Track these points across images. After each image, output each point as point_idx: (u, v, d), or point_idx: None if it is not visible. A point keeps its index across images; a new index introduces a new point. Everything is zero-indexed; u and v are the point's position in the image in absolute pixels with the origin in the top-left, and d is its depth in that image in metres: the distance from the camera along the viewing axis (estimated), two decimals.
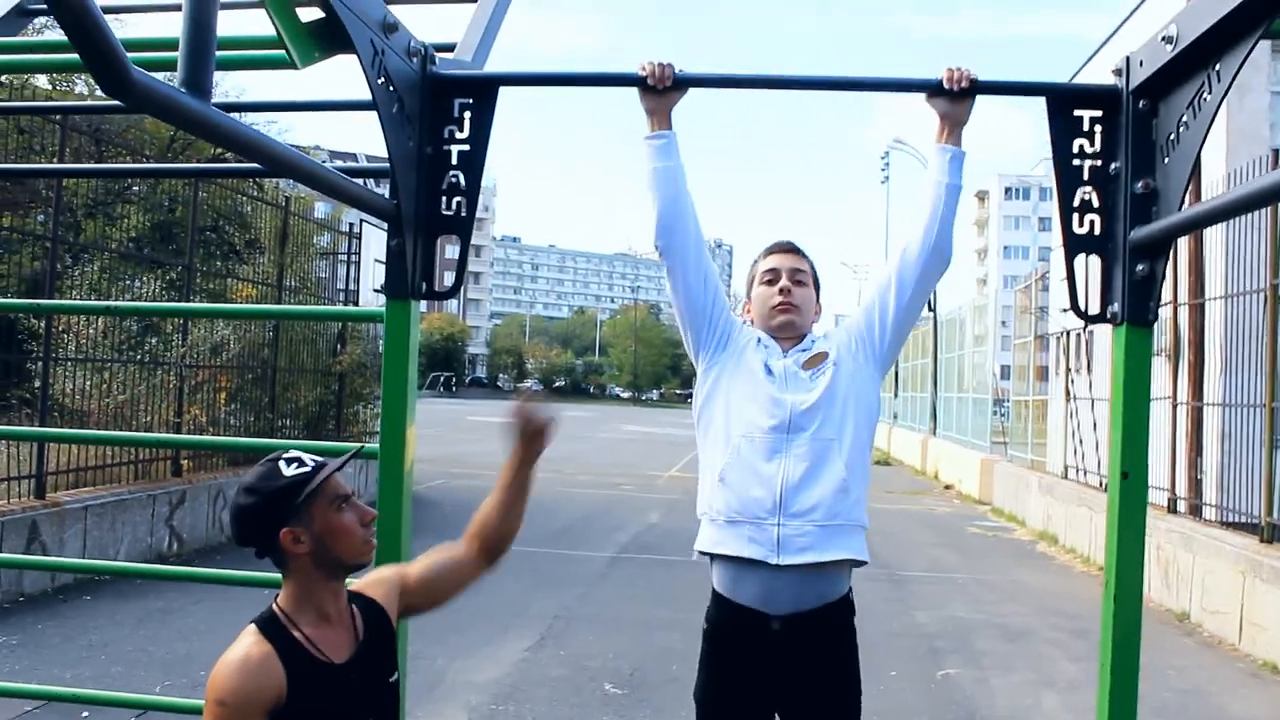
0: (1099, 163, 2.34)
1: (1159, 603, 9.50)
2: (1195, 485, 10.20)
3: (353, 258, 14.03)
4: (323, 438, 13.12)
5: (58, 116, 8.79)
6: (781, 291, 2.94)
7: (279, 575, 2.04)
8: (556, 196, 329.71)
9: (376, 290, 14.09)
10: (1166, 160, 2.20)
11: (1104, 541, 7.95)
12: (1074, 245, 2.38)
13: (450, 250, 2.63)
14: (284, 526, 1.97)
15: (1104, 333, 13.85)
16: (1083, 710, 6.28)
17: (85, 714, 5.37)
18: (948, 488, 20.69)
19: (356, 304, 13.86)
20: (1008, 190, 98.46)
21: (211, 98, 1.56)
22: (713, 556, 2.83)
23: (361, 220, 14.82)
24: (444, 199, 2.42)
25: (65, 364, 9.43)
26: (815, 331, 3.02)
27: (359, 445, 2.26)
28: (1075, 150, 2.35)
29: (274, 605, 2.04)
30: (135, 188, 13.56)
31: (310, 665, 1.98)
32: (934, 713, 6.12)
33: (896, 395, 31.58)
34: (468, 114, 2.45)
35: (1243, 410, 10.43)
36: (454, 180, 2.42)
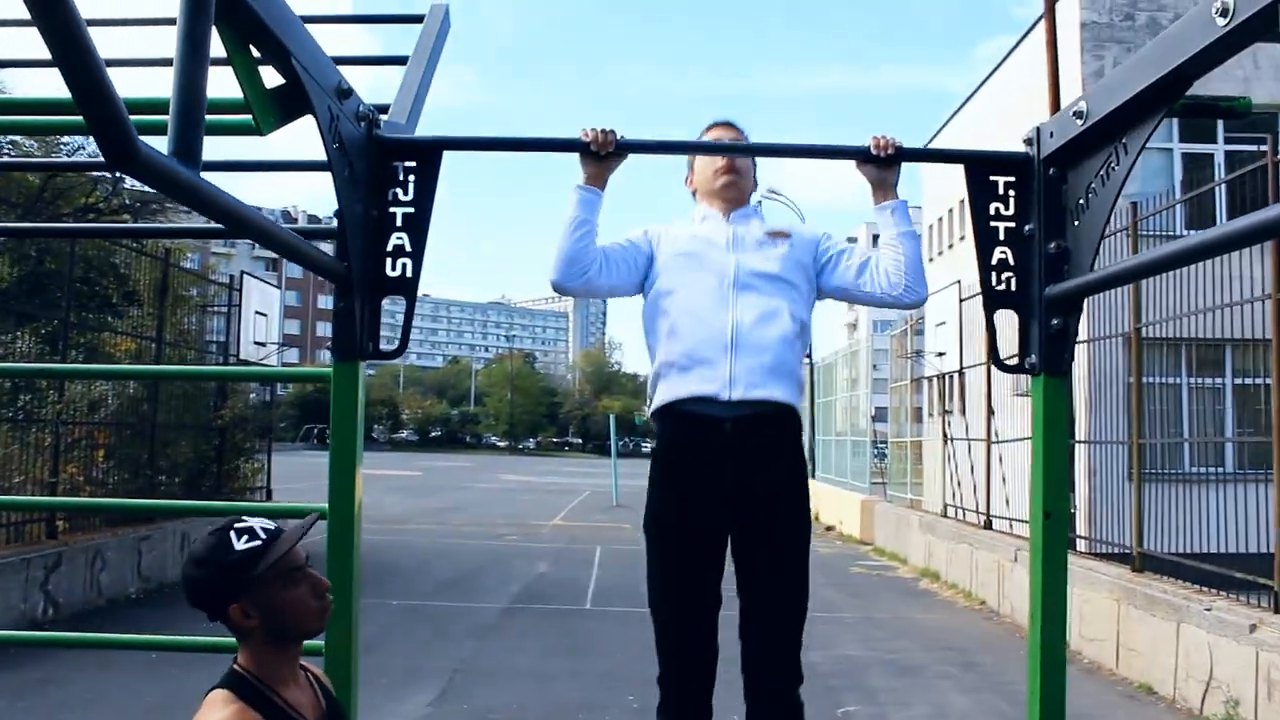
0: (1014, 224, 2.51)
1: None
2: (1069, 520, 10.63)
3: (232, 309, 13.77)
4: (203, 494, 12.77)
5: None
6: (726, 158, 3.18)
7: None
8: (429, 244, 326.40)
9: (258, 343, 13.80)
10: (1077, 223, 2.38)
11: (983, 576, 8.27)
12: (992, 301, 2.54)
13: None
14: (233, 602, 1.94)
15: (975, 375, 14.39)
16: None
17: None
18: (829, 529, 21.07)
19: (237, 356, 13.61)
20: (875, 238, 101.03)
21: (200, 168, 1.59)
22: (667, 410, 3.00)
23: (242, 273, 14.58)
24: (389, 260, 2.46)
25: None
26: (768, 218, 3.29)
27: (318, 513, 2.22)
28: (992, 213, 2.52)
29: (236, 667, 2.00)
30: (1, 240, 13.08)
31: None
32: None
33: None
34: (412, 177, 2.50)
35: (1109, 447, 10.96)
36: (399, 242, 2.47)
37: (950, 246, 29.22)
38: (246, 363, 14.39)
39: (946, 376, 15.32)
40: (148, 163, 1.42)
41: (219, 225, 1.92)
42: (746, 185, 3.25)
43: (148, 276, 12.23)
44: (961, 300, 13.28)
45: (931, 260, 30.81)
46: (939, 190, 29.59)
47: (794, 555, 3.02)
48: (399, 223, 2.47)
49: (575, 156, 2.81)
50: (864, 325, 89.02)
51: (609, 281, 3.10)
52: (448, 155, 2.54)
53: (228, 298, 14.08)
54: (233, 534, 1.96)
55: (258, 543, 1.95)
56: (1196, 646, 7.25)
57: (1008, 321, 2.53)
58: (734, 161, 3.20)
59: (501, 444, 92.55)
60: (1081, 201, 2.35)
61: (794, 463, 3.05)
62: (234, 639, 2.01)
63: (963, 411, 15.35)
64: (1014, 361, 2.51)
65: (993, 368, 10.77)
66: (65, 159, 11.21)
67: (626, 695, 7.34)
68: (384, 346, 2.45)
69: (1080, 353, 11.02)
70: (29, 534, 9.73)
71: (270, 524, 2.01)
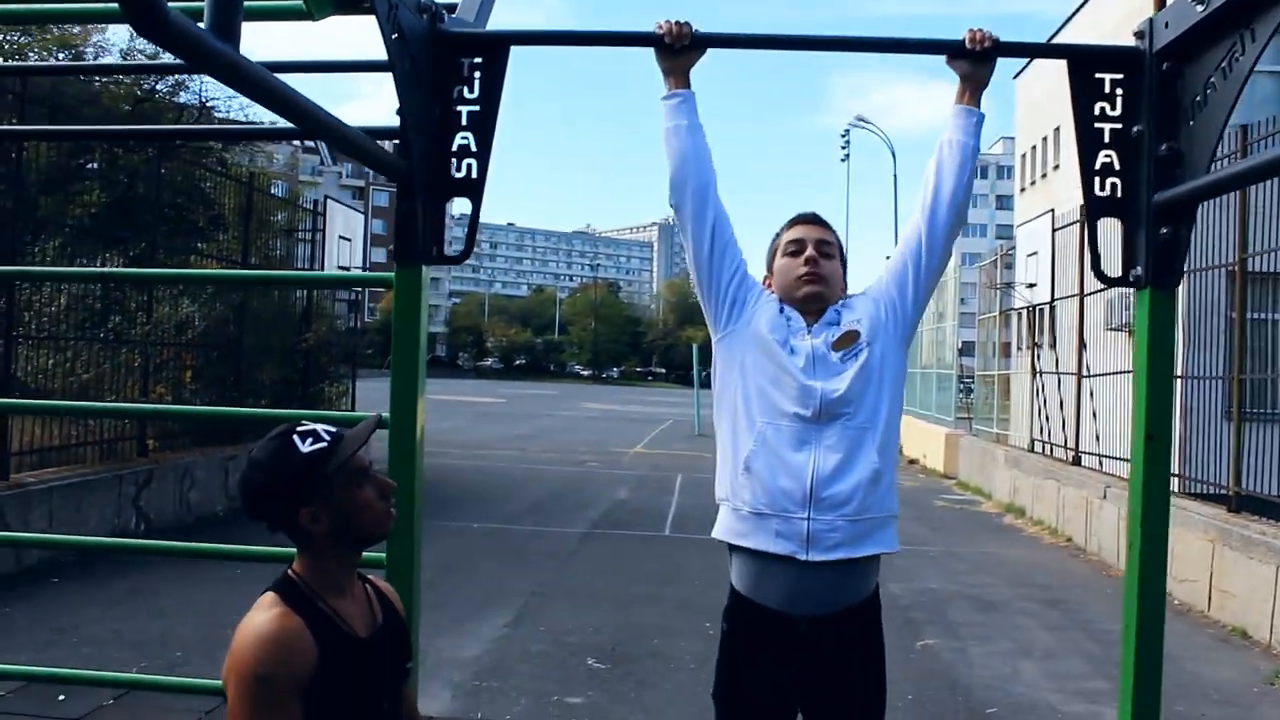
0: (1120, 125, 2.32)
1: None
2: None
3: (316, 235, 13.85)
4: (284, 414, 12.94)
5: (17, 83, 8.57)
6: (807, 262, 2.78)
7: (276, 549, 1.96)
8: (514, 173, 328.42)
9: (341, 267, 13.86)
10: (1191, 123, 2.18)
11: (1070, 513, 8.01)
12: (1095, 209, 2.36)
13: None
14: (301, 506, 1.87)
15: (1067, 308, 13.94)
16: (1061, 678, 6.35)
17: (61, 697, 5.26)
18: (912, 462, 20.82)
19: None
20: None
21: (240, 46, 1.49)
22: (733, 548, 2.72)
23: (326, 198, 14.62)
24: (454, 161, 2.36)
25: (28, 341, 9.21)
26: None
27: (377, 415, 2.13)
28: (1097, 113, 2.33)
29: (290, 573, 1.94)
30: (92, 165, 13.27)
31: (338, 637, 1.88)
32: (917, 682, 6.14)
33: None
34: (477, 74, 2.39)
35: (1205, 383, 10.57)
36: (464, 142, 2.36)
37: (1043, 176, 28.41)
38: (334, 291, 14.51)
39: (1036, 309, 14.89)
40: (180, 33, 1.32)
41: (285, 126, 1.82)
42: (833, 292, 2.83)
43: (233, 201, 12.33)
44: (1055, 230, 12.84)
45: (1024, 190, 30.04)
46: (1032, 120, 28.71)
47: None
48: (464, 121, 2.36)
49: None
50: (952, 257, 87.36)
51: (721, 235, 2.83)
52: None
53: (311, 222, 14.15)
54: (296, 437, 1.89)
55: (323, 444, 1.89)
56: None
57: (1110, 232, 2.35)
58: (820, 268, 2.79)
59: (585, 372, 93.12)
60: (1198, 99, 2.15)
61: (872, 663, 2.75)
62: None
63: (1053, 345, 14.91)
64: (1118, 274, 2.33)
65: (1086, 300, 10.40)
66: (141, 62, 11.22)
67: (703, 622, 7.30)
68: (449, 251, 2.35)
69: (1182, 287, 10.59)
70: (121, 451, 9.96)
71: (332, 427, 1.94)
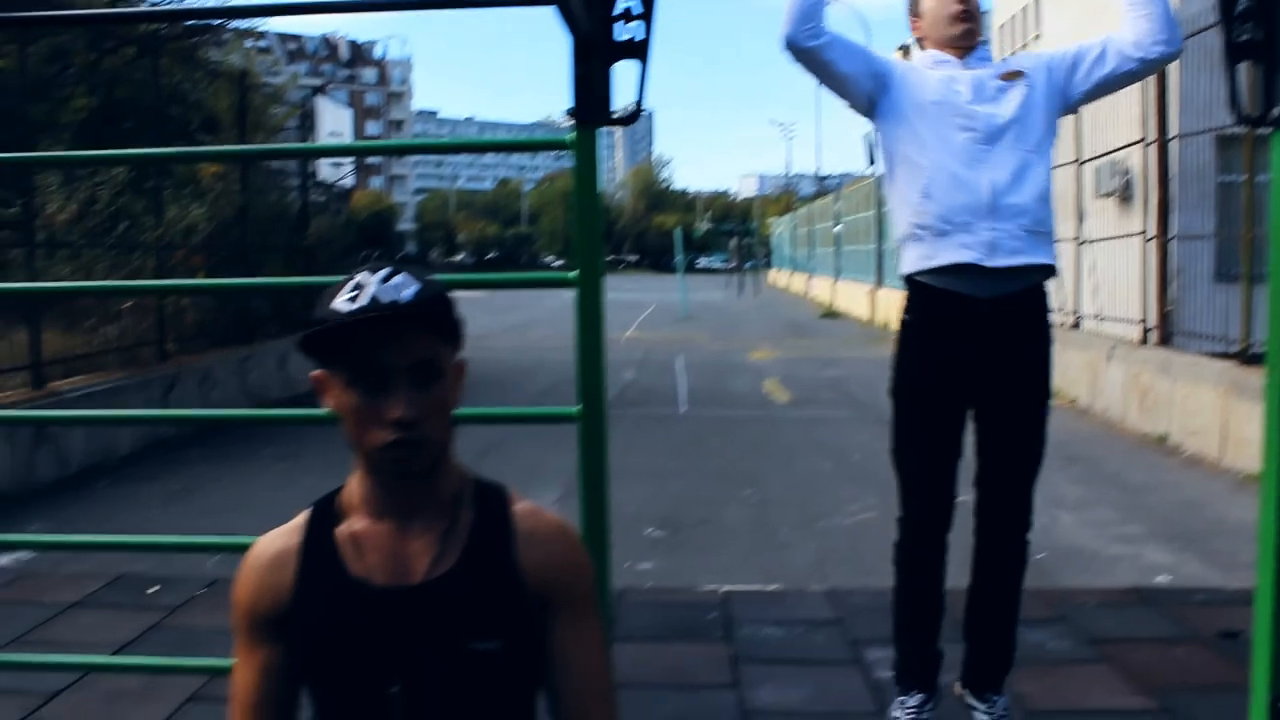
0: None
1: (1136, 428, 9.92)
2: (1164, 317, 10.54)
3: (307, 133, 13.69)
4: (291, 315, 12.96)
5: None
6: (960, 1, 2.99)
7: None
8: (474, 66, 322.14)
9: (334, 164, 13.75)
10: None
11: (1073, 375, 8.21)
12: (1234, 54, 2.45)
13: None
14: (318, 367, 1.43)
15: (1060, 177, 14.05)
16: (1098, 525, 6.63)
17: (152, 589, 5.42)
18: None
19: (315, 178, 13.60)
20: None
21: None
22: (919, 274, 2.96)
23: (315, 93, 14.42)
24: (619, 24, 2.41)
25: (44, 249, 9.16)
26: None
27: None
28: None
29: (344, 484, 1.51)
30: (71, 68, 12.97)
31: (330, 576, 1.44)
32: (959, 529, 6.39)
33: (839, 250, 31.84)
34: None
35: (1199, 243, 10.78)
36: (628, 5, 2.42)
37: (1024, 45, 28.26)
38: (327, 186, 14.42)
39: None
40: None
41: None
42: (980, 28, 3.07)
43: (225, 101, 12.15)
44: None
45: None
46: None
47: (1034, 425, 3.08)
48: None
49: None
50: None
51: (844, 67, 2.98)
52: None
53: (301, 121, 13.96)
54: (346, 284, 1.40)
55: (353, 306, 1.36)
56: None
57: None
58: (970, 3, 3.01)
59: (555, 263, 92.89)
60: None
61: (1045, 342, 3.05)
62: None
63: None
64: (1257, 114, 2.44)
65: (1084, 167, 10.50)
66: None
67: (743, 490, 7.55)
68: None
69: (1173, 150, 10.71)
70: (141, 357, 10.01)
71: (413, 281, 1.39)
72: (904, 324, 3.06)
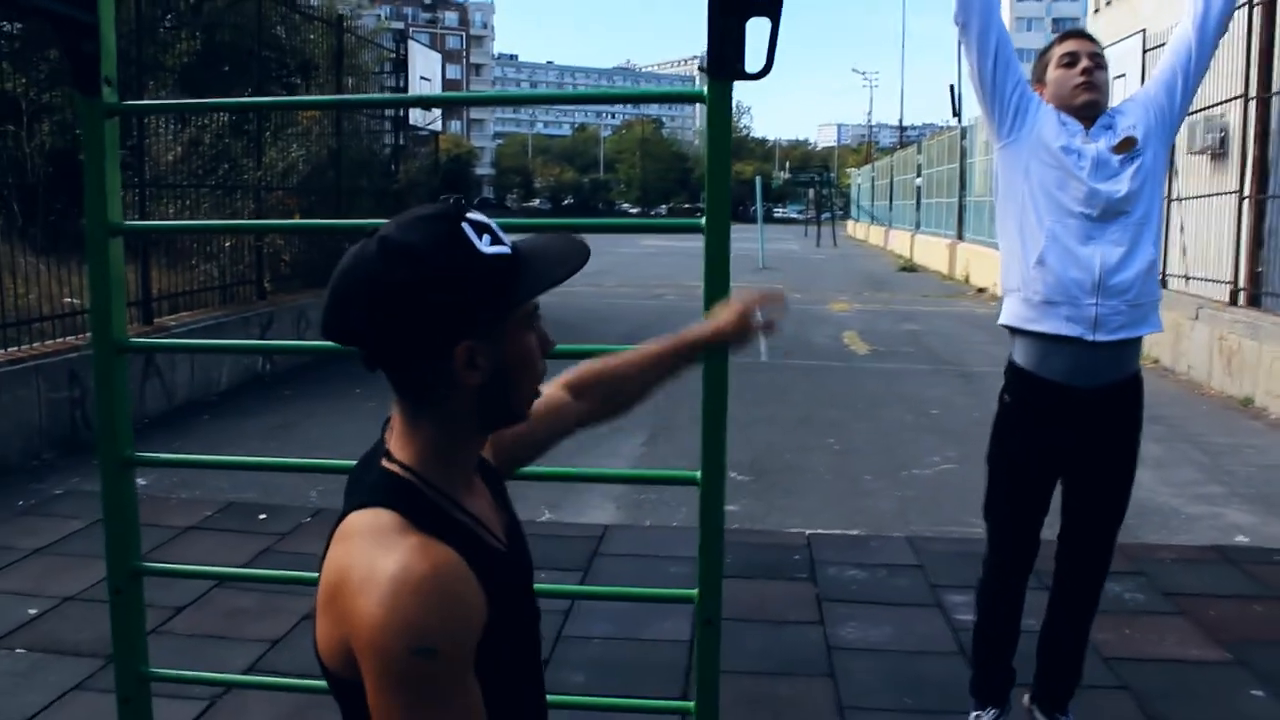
0: None
1: (1221, 390, 9.85)
2: (1254, 277, 10.40)
3: (400, 76, 13.92)
4: None
5: None
6: (1084, 73, 3.04)
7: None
8: (553, 10, 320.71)
9: (425, 109, 13.89)
10: None
11: (1157, 335, 8.20)
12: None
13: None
14: (466, 338, 1.22)
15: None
16: (1178, 485, 6.67)
17: (263, 516, 5.74)
18: (980, 290, 20.92)
19: (407, 122, 13.84)
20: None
21: None
22: (1020, 332, 3.09)
23: (408, 37, 14.63)
24: None
25: (152, 189, 9.51)
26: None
27: (581, 239, 1.40)
28: None
29: (395, 466, 1.27)
30: (173, 12, 13.31)
31: (494, 562, 1.28)
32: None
33: (919, 203, 31.51)
34: None
35: None
36: None
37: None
38: (416, 128, 14.66)
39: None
40: None
41: None
42: (1105, 99, 3.08)
43: (324, 45, 12.39)
44: (1145, 51, 12.65)
45: (1097, 11, 29.10)
46: None
47: (1121, 494, 3.22)
48: None
49: None
50: None
51: (1005, 50, 3.05)
52: None
53: (394, 65, 14.20)
54: (466, 226, 1.22)
55: (505, 250, 1.25)
56: None
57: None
58: (1094, 78, 3.03)
59: (634, 210, 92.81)
60: None
61: (1139, 425, 3.18)
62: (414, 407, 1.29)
63: None
64: None
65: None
66: None
67: (827, 439, 7.69)
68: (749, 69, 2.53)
69: (1274, 107, 10.48)
70: (239, 294, 10.38)
71: (498, 227, 1.28)
72: (1004, 405, 3.19)
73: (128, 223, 3.37)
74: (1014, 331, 3.12)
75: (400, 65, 14.07)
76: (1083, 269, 2.95)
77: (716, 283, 2.52)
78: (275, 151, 10.90)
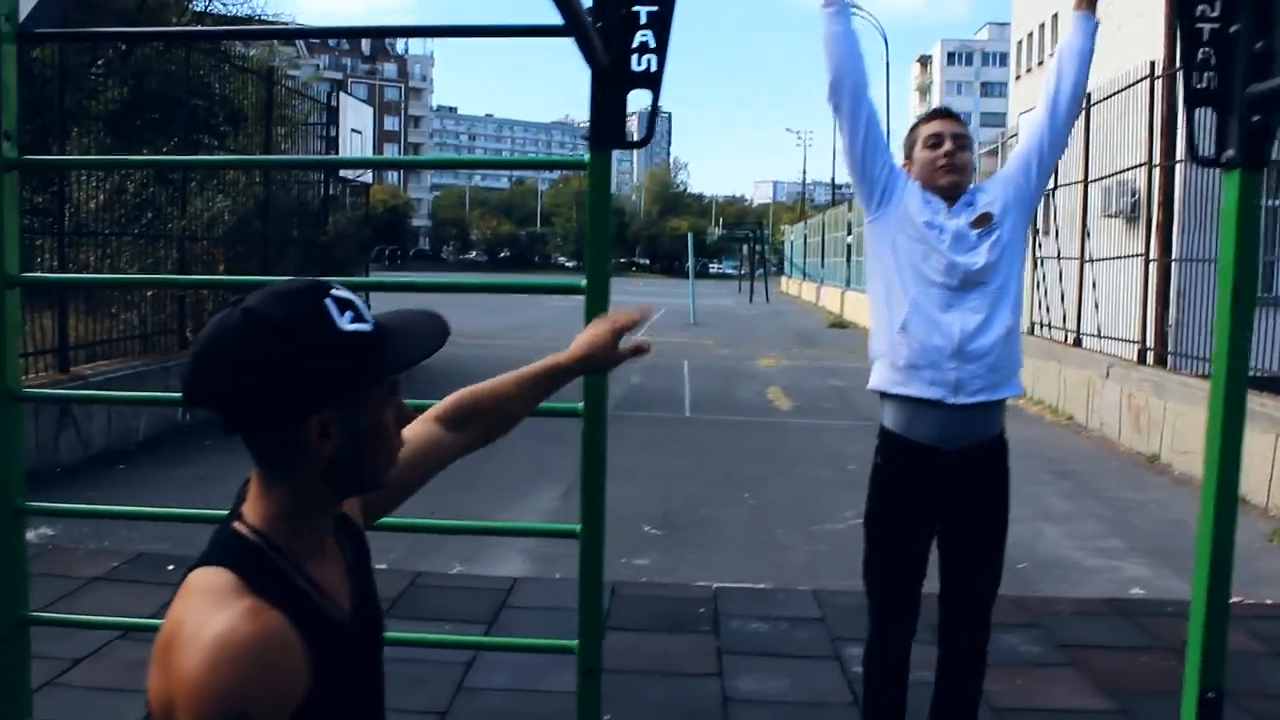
0: (1218, 25, 2.63)
1: (1130, 446, 10.12)
2: (1162, 337, 10.74)
3: (331, 129, 13.95)
4: None
5: None
6: (947, 154, 3.18)
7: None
8: (493, 64, 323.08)
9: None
10: None
11: (1071, 393, 8.45)
12: (1192, 99, 2.69)
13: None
14: (320, 409, 1.27)
15: (1067, 196, 14.24)
16: (1080, 538, 6.84)
17: (171, 567, 5.67)
18: None
19: (337, 174, 13.85)
20: (950, 55, 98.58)
21: None
22: (888, 396, 3.19)
23: (338, 89, 14.67)
24: (635, 57, 2.65)
25: (73, 237, 9.41)
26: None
27: (439, 315, 1.47)
28: (1198, 15, 2.64)
29: (244, 529, 1.31)
30: (102, 59, 13.25)
31: (330, 630, 1.30)
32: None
33: (849, 260, 32.05)
34: None
35: (1199, 266, 10.97)
36: (644, 40, 2.66)
37: (1039, 63, 28.42)
38: (347, 182, 14.68)
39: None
40: None
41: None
42: (968, 179, 3.23)
43: (254, 95, 12.39)
44: None
45: (1019, 78, 30.06)
46: (1028, 6, 28.60)
47: (994, 554, 3.30)
48: (643, 20, 2.66)
49: None
50: None
51: (874, 130, 3.19)
52: None
53: (324, 115, 14.23)
54: (330, 303, 1.28)
55: (366, 327, 1.30)
56: None
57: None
58: (956, 159, 3.18)
59: (569, 264, 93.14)
60: None
61: (1005, 484, 3.27)
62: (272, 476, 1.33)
63: (1047, 233, 15.25)
64: (1211, 156, 2.67)
65: (1092, 186, 10.67)
66: None
67: (743, 493, 7.78)
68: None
69: (1179, 174, 10.90)
70: (160, 343, 10.28)
71: (361, 303, 1.33)
72: (876, 467, 3.28)
73: (24, 275, 3.37)
74: (883, 396, 3.22)
75: (333, 116, 14.10)
76: (943, 335, 3.08)
77: None
78: (201, 201, 10.84)
